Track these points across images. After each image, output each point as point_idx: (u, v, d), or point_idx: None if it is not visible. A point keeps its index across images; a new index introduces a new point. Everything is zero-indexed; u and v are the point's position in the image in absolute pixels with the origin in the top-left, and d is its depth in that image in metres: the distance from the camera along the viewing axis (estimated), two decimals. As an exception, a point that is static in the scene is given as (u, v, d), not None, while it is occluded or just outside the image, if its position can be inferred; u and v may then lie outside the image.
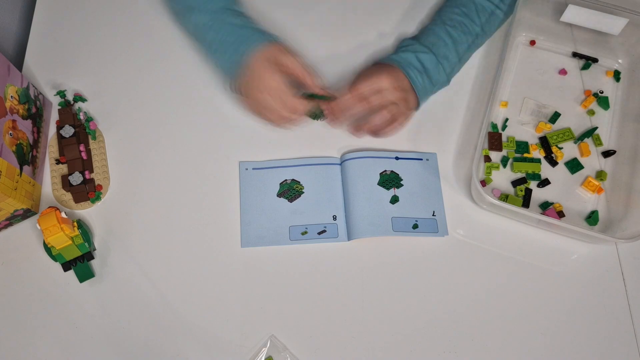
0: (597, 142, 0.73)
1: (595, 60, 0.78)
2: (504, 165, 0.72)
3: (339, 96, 0.66)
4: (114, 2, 0.80)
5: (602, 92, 0.76)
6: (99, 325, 0.64)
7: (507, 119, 0.74)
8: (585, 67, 0.78)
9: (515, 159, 0.72)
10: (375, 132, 0.69)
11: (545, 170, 0.72)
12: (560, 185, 0.71)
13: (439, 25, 0.72)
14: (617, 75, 0.77)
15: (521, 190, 0.70)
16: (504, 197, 0.70)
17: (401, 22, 0.80)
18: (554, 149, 0.72)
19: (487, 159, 0.72)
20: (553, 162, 0.72)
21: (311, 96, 0.68)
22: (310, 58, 0.76)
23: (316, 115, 0.71)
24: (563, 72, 0.78)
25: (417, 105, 0.70)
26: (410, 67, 0.68)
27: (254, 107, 0.68)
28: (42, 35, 0.78)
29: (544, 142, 0.73)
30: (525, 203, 0.70)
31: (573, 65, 0.78)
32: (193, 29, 0.72)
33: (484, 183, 0.71)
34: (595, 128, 0.74)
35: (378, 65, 0.70)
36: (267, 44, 0.65)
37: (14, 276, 0.66)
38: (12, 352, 0.63)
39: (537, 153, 0.73)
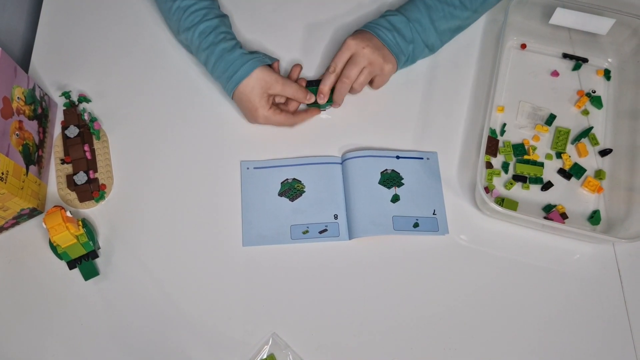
0: (594, 141, 0.74)
1: (585, 61, 0.78)
2: (505, 171, 0.72)
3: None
4: (118, 5, 0.81)
5: (594, 92, 0.77)
6: (104, 322, 0.65)
7: (504, 124, 0.75)
8: (576, 67, 0.78)
9: (519, 160, 0.72)
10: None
11: (547, 172, 0.72)
12: (561, 187, 0.72)
13: None
14: (607, 74, 0.78)
15: (511, 184, 0.70)
16: (500, 200, 0.70)
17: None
18: (564, 156, 0.72)
19: (489, 165, 0.72)
20: (568, 176, 0.72)
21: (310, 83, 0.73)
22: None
23: (318, 104, 0.73)
24: (555, 73, 0.78)
25: (397, 61, 0.72)
26: (379, 27, 0.71)
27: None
28: (48, 37, 0.79)
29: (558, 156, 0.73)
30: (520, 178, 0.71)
31: (564, 66, 0.79)
32: (187, 46, 0.74)
33: (486, 190, 0.71)
34: (591, 128, 0.74)
35: (349, 35, 0.72)
36: (254, 73, 0.67)
37: (20, 274, 0.67)
38: (18, 348, 0.64)
39: (542, 156, 0.73)
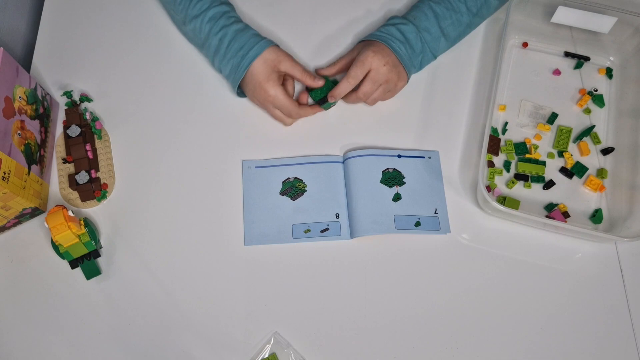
0: (596, 140, 0.74)
1: (587, 59, 0.78)
2: (507, 170, 0.72)
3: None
4: (119, 4, 0.81)
5: (596, 90, 0.77)
6: (106, 321, 0.65)
7: (506, 123, 0.75)
8: (578, 66, 0.78)
9: (520, 159, 0.72)
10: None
11: (549, 171, 0.72)
12: (563, 185, 0.72)
13: (423, 2, 0.74)
14: (609, 72, 0.78)
15: (512, 182, 0.70)
16: (502, 199, 0.70)
17: None
18: (566, 155, 0.72)
19: (491, 164, 0.72)
20: (569, 174, 0.72)
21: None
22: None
23: (323, 102, 0.73)
24: (557, 72, 0.78)
25: (408, 76, 0.73)
26: (393, 39, 0.71)
27: (261, 106, 0.72)
28: (50, 37, 0.79)
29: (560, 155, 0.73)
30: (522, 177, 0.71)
31: (566, 64, 0.78)
32: (194, 35, 0.74)
33: (488, 188, 0.71)
34: (593, 126, 0.74)
35: (364, 44, 0.72)
36: (267, 50, 0.68)
37: (23, 273, 0.67)
38: (20, 347, 0.64)
39: (544, 155, 0.73)
